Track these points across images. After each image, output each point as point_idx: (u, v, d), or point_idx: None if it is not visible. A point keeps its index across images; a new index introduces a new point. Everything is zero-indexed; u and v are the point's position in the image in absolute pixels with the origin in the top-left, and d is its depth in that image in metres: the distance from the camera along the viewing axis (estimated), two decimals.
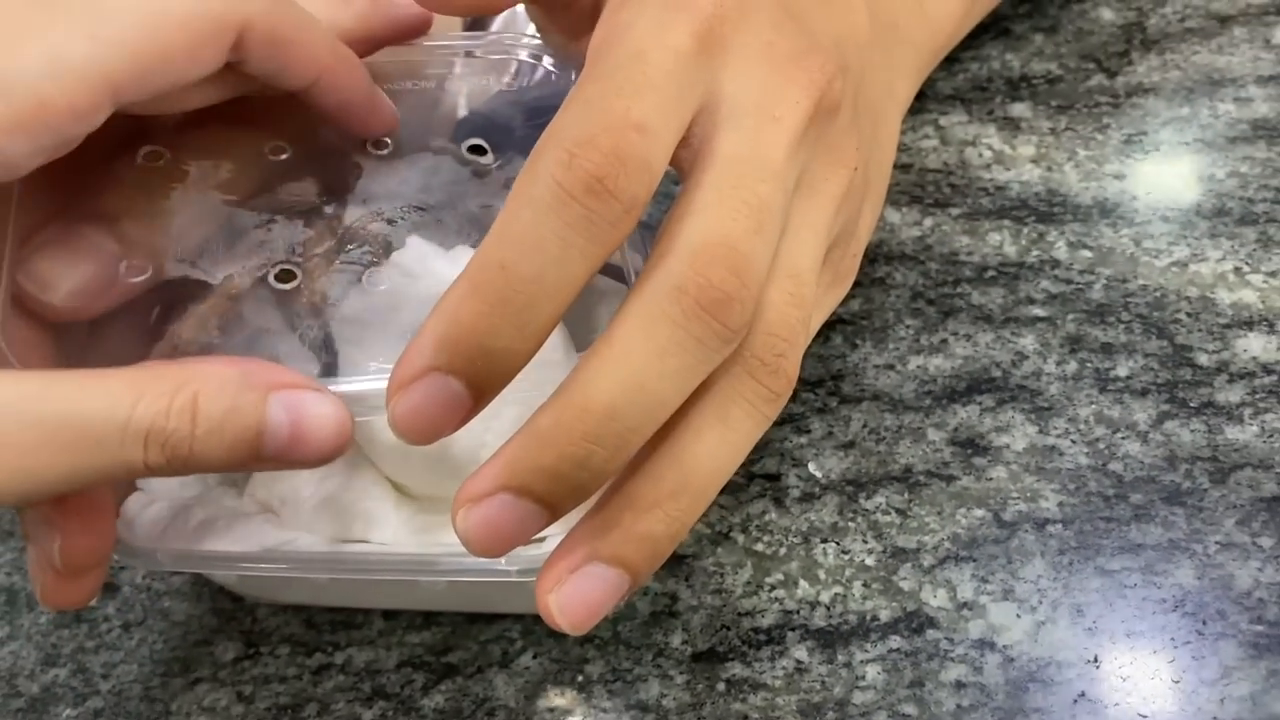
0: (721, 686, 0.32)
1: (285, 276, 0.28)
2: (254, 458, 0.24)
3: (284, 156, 0.30)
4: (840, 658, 0.32)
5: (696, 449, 0.24)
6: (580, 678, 0.33)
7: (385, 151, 0.30)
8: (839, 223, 0.27)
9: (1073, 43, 0.44)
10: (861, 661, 0.31)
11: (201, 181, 0.29)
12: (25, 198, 0.27)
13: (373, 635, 0.35)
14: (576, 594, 0.24)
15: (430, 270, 0.28)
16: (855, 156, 0.27)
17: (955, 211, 0.40)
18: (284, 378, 0.25)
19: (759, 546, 0.34)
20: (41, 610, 0.37)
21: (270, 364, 0.25)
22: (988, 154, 0.41)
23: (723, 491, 0.35)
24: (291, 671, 0.35)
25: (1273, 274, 0.37)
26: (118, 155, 0.29)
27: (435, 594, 0.34)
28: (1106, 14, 0.45)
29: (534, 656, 0.33)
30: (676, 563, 0.34)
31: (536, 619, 0.34)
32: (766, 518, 0.35)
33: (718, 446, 0.24)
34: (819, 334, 0.38)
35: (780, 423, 0.36)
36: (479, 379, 0.23)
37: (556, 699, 0.33)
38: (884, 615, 0.32)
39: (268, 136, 0.30)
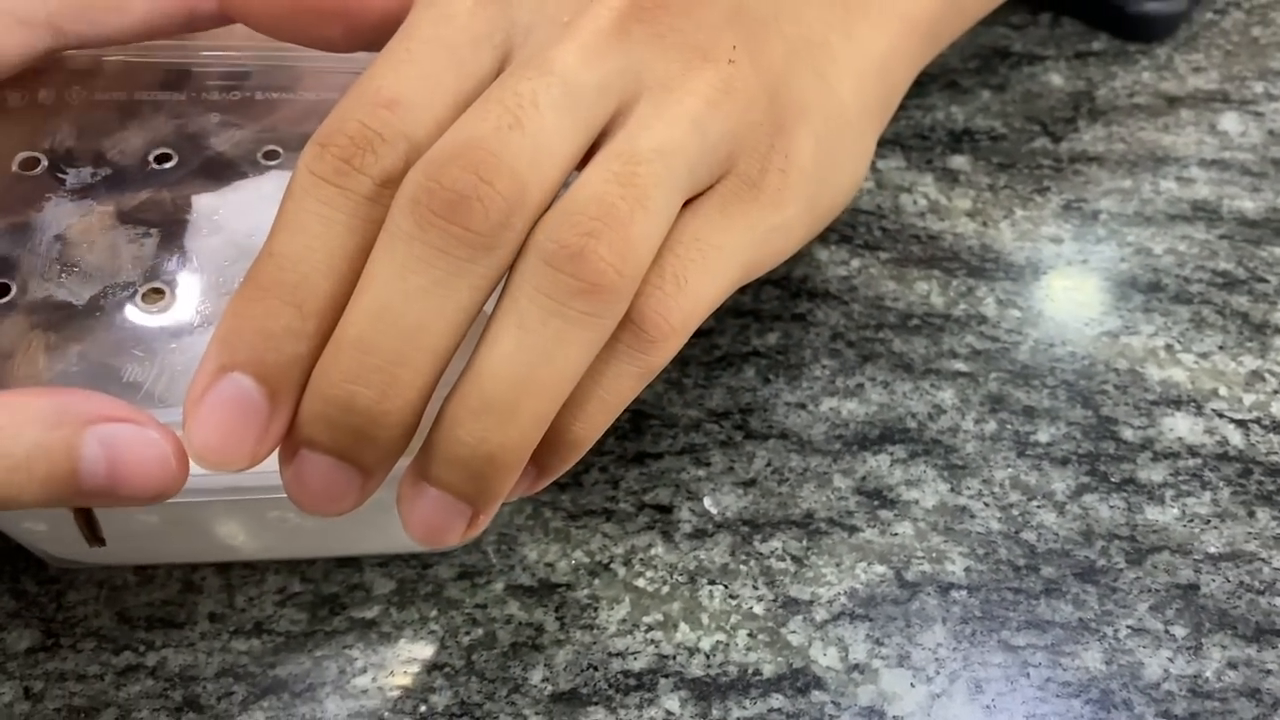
0: None
1: (154, 296, 0.26)
2: (75, 496, 0.22)
3: (169, 165, 0.28)
4: (715, 713, 0.28)
5: (491, 358, 0.22)
6: (423, 708, 0.29)
7: (277, 162, 0.28)
8: (722, 125, 0.24)
9: (1020, 103, 0.43)
10: (737, 719, 0.28)
11: (78, 190, 0.27)
12: None
13: (194, 637, 0.31)
14: (417, 513, 0.23)
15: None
16: (731, 53, 0.24)
17: (884, 255, 0.38)
18: (104, 409, 0.22)
19: (640, 582, 0.31)
20: None
21: (92, 395, 0.22)
22: (923, 202, 0.40)
23: (608, 518, 0.32)
24: (93, 670, 0.30)
25: (1204, 355, 0.35)
26: None
27: (287, 533, 0.30)
28: (1056, 79, 0.43)
29: (374, 679, 0.30)
30: (547, 591, 0.31)
31: (386, 634, 0.30)
32: (652, 551, 0.32)
33: (515, 352, 0.22)
34: (731, 363, 0.35)
35: (679, 452, 0.33)
36: (267, 371, 0.21)
37: None
38: (767, 670, 0.29)
39: (155, 142, 0.28)
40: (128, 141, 0.29)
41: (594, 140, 0.23)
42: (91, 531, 0.28)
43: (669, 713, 0.29)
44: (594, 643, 0.30)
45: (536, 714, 0.29)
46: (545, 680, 0.29)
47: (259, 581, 0.32)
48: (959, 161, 0.41)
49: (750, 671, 0.29)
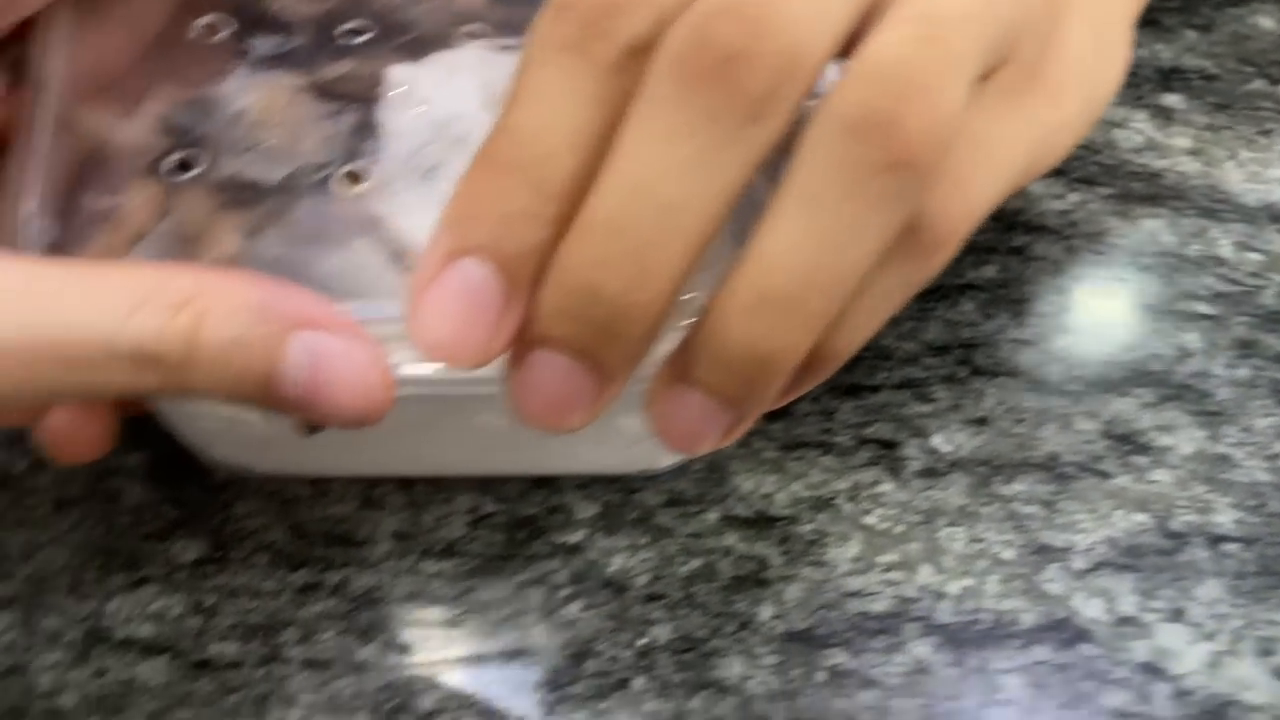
0: (821, 675, 0.26)
1: (350, 178, 0.24)
2: (265, 400, 0.20)
3: (363, 39, 0.25)
4: (972, 662, 0.26)
5: (773, 246, 0.19)
6: (642, 641, 0.26)
7: (477, 39, 0.26)
8: (1010, 3, 0.21)
9: (1228, 44, 0.40)
10: (999, 670, 0.26)
11: (265, 61, 0.25)
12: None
13: (377, 557, 0.28)
14: (671, 416, 0.20)
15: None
16: None
17: (1104, 191, 0.35)
18: (316, 312, 0.20)
19: (869, 520, 0.28)
20: None
21: (303, 293, 0.20)
22: (1138, 139, 0.37)
23: (825, 451, 0.30)
24: (269, 586, 0.28)
25: None
26: (174, 26, 0.25)
27: (490, 443, 0.28)
28: (1266, 23, 0.41)
29: (585, 607, 0.27)
30: (766, 524, 0.28)
31: (593, 562, 0.28)
32: (879, 489, 0.29)
33: (804, 239, 0.18)
34: (946, 295, 0.32)
35: (896, 386, 0.31)
36: (504, 258, 0.19)
37: (609, 663, 0.26)
38: (1026, 619, 0.26)
39: (344, 12, 0.26)
40: (315, 10, 0.26)
41: (864, 16, 0.20)
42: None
43: (919, 660, 0.26)
44: (825, 580, 0.27)
45: (770, 653, 0.26)
46: (776, 617, 0.27)
47: (446, 500, 0.29)
48: (1172, 100, 0.38)
49: (1006, 620, 0.26)
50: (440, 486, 0.29)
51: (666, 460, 0.29)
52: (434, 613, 0.27)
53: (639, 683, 0.26)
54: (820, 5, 0.19)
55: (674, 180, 0.18)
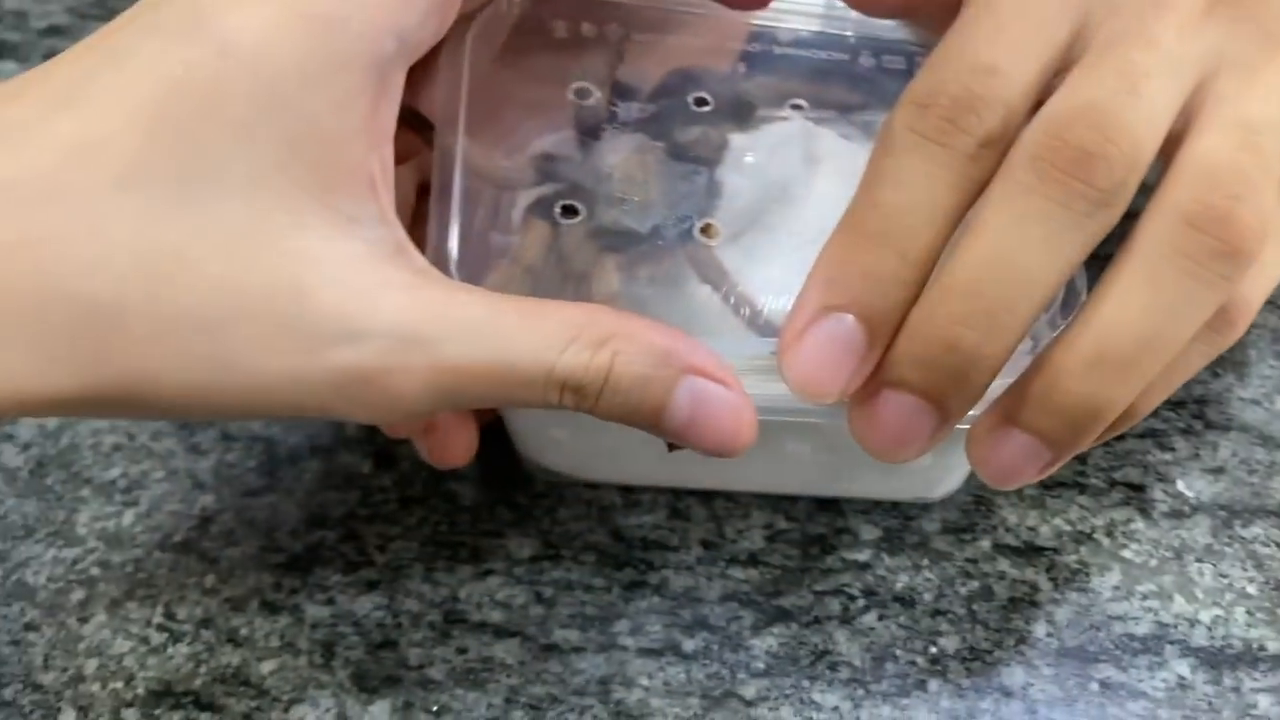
0: (1094, 686, 0.30)
1: (710, 230, 0.28)
2: (651, 426, 0.24)
3: (706, 109, 0.29)
4: (1228, 681, 0.29)
5: (1114, 313, 0.22)
6: (933, 649, 0.30)
7: (807, 113, 0.29)
8: None
9: None
10: (1252, 690, 0.29)
11: (629, 124, 0.29)
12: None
13: (690, 561, 0.32)
14: (996, 454, 0.24)
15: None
16: None
17: None
18: (702, 362, 0.24)
19: (1126, 553, 0.32)
20: (304, 467, 0.34)
21: (695, 343, 0.24)
22: None
23: (1080, 491, 0.34)
24: (599, 582, 0.32)
25: None
26: (554, 88, 0.29)
27: (791, 466, 0.32)
28: None
29: (879, 618, 0.31)
30: (1034, 552, 0.32)
31: (881, 577, 0.32)
32: (1132, 526, 0.33)
33: (1143, 312, 0.22)
34: None
35: (1140, 436, 0.34)
36: (871, 313, 0.22)
37: (908, 666, 0.30)
38: (1272, 647, 0.30)
39: (691, 87, 0.30)
40: (665, 80, 0.30)
41: (1182, 118, 0.24)
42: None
43: (1181, 677, 0.30)
44: (1091, 605, 0.31)
45: (1048, 665, 0.30)
46: (1050, 635, 0.30)
47: (744, 515, 0.33)
48: None
49: (1255, 647, 0.30)
50: (737, 501, 0.33)
51: (939, 491, 0.33)
52: (747, 613, 0.31)
53: (934, 685, 0.30)
54: (1152, 111, 0.23)
55: (1029, 254, 0.22)
